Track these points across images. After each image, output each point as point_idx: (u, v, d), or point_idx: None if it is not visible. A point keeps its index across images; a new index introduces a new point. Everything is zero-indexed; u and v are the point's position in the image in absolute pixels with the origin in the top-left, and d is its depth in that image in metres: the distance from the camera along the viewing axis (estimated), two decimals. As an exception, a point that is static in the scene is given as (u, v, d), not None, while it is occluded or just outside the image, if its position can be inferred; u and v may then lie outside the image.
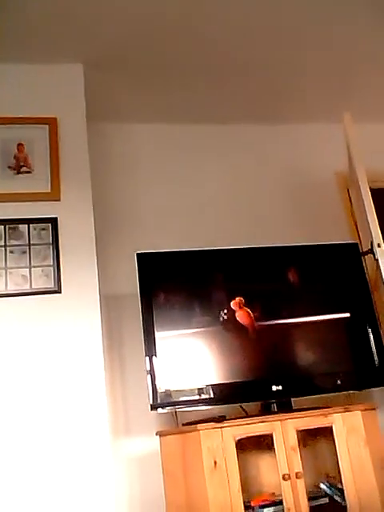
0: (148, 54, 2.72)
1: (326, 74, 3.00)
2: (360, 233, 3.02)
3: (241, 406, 2.44)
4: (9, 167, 2.49)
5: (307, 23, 2.62)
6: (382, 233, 2.49)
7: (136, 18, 2.47)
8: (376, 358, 2.51)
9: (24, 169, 2.50)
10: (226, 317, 2.45)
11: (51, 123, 2.58)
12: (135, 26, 2.53)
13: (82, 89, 2.68)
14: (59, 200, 2.47)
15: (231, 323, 2.45)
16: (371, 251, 2.53)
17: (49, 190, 2.48)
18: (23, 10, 2.37)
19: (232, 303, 2.47)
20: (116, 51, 2.67)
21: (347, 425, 2.21)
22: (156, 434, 2.38)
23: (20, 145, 2.53)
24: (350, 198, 3.21)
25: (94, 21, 2.47)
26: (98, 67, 2.74)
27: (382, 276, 2.43)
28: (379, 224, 2.51)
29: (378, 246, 2.47)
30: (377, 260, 2.49)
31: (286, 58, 2.85)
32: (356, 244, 2.80)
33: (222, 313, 2.44)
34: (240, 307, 2.47)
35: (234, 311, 2.46)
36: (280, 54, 2.82)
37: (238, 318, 2.46)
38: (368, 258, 2.67)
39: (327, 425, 2.22)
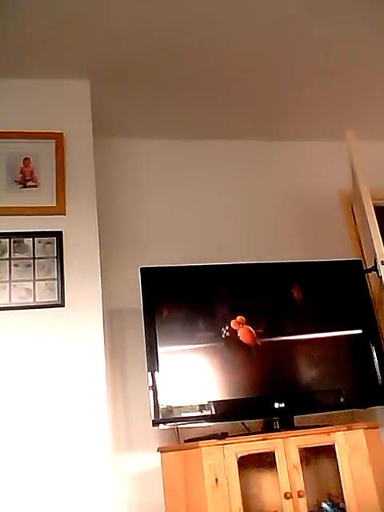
0: (154, 71, 2.74)
1: (330, 91, 3.02)
2: (363, 250, 3.02)
3: (243, 423, 2.43)
4: (15, 181, 2.51)
5: (310, 41, 2.64)
6: (385, 250, 2.50)
7: (142, 35, 2.50)
8: (379, 375, 2.50)
9: (30, 183, 2.52)
10: (227, 333, 2.44)
11: (57, 138, 2.60)
12: (141, 43, 2.55)
13: (89, 104, 2.71)
14: (64, 214, 2.48)
15: (233, 340, 2.44)
16: (375, 268, 2.53)
17: (54, 204, 2.49)
18: (31, 26, 2.40)
19: (232, 322, 2.46)
20: (122, 68, 2.70)
21: (350, 443, 2.20)
22: (157, 451, 2.37)
23: (26, 159, 2.55)
24: (353, 216, 3.22)
25: (101, 38, 2.50)
26: (104, 83, 2.77)
27: (385, 293, 2.43)
28: (383, 241, 2.51)
29: (382, 263, 2.47)
30: (380, 277, 2.49)
31: (290, 75, 2.88)
32: (360, 261, 2.79)
33: (223, 329, 2.44)
34: (242, 325, 2.46)
35: (235, 329, 2.45)
36: (284, 71, 2.84)
37: (239, 336, 2.45)
38: (372, 276, 2.66)
39: (330, 443, 2.21)
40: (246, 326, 2.46)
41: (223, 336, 2.44)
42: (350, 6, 2.46)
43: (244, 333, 2.45)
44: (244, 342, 2.45)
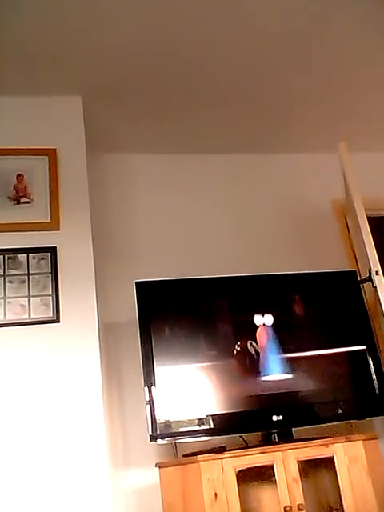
0: (146, 86, 2.76)
1: (322, 104, 3.05)
2: (358, 261, 3.03)
3: (241, 437, 2.42)
4: (8, 198, 2.51)
5: (302, 54, 2.67)
6: (380, 260, 2.51)
7: (134, 50, 2.52)
8: (376, 386, 2.49)
9: (23, 199, 2.52)
10: (238, 349, 2.43)
11: (51, 154, 2.60)
12: (133, 59, 2.57)
13: (81, 120, 2.72)
14: (58, 229, 2.49)
15: (241, 353, 2.44)
16: (369, 279, 2.53)
17: (48, 220, 2.49)
18: (23, 44, 2.41)
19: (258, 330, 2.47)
20: (114, 83, 2.72)
21: (349, 455, 2.19)
22: (155, 466, 2.35)
23: (19, 175, 2.56)
24: (347, 226, 3.23)
25: (93, 54, 2.52)
26: (96, 99, 2.79)
27: (380, 304, 2.43)
28: (377, 252, 2.52)
29: (376, 273, 2.48)
30: (375, 288, 2.49)
31: (281, 89, 2.90)
32: (354, 272, 2.80)
33: (235, 345, 2.43)
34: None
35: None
36: (276, 85, 2.87)
37: (257, 338, 2.46)
38: (367, 286, 2.67)
39: (329, 455, 2.19)
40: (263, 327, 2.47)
41: (222, 350, 2.43)
42: (342, 23, 2.49)
43: (261, 334, 2.46)
44: (259, 345, 2.45)
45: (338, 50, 2.67)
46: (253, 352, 2.45)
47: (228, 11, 2.36)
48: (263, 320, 2.51)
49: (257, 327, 2.50)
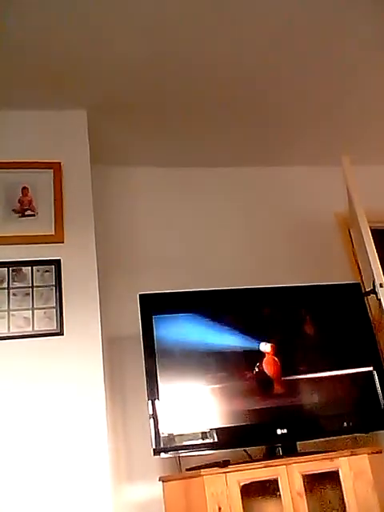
0: (150, 100, 2.78)
1: (325, 116, 3.06)
2: (362, 273, 3.03)
3: (245, 451, 2.40)
4: (13, 210, 2.53)
5: (305, 70, 2.69)
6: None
7: (137, 65, 2.54)
8: (381, 400, 2.47)
9: (28, 212, 2.54)
10: (257, 369, 2.42)
11: (55, 167, 2.62)
12: (137, 73, 2.59)
13: (86, 134, 2.74)
14: (63, 242, 2.50)
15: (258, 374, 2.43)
16: (373, 291, 2.53)
17: (52, 233, 2.51)
18: (28, 59, 2.43)
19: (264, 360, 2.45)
20: (118, 98, 2.74)
21: (354, 469, 2.16)
22: (159, 480, 2.33)
23: (24, 188, 2.57)
24: (351, 238, 3.23)
25: (97, 69, 2.54)
26: (101, 113, 2.81)
27: (384, 316, 2.43)
28: (381, 264, 2.52)
29: (381, 285, 2.48)
30: (379, 300, 2.49)
31: (285, 103, 2.92)
32: (358, 284, 2.79)
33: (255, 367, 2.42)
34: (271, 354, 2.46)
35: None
36: (279, 99, 2.88)
37: (263, 367, 2.44)
38: (371, 299, 2.66)
39: (333, 469, 2.17)
40: (272, 356, 2.45)
41: (226, 365, 2.42)
42: (346, 34, 2.51)
43: (268, 362, 2.44)
44: (267, 373, 2.43)
45: (343, 63, 2.68)
46: (268, 373, 2.44)
47: (231, 27, 2.38)
48: (268, 347, 2.49)
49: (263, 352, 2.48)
